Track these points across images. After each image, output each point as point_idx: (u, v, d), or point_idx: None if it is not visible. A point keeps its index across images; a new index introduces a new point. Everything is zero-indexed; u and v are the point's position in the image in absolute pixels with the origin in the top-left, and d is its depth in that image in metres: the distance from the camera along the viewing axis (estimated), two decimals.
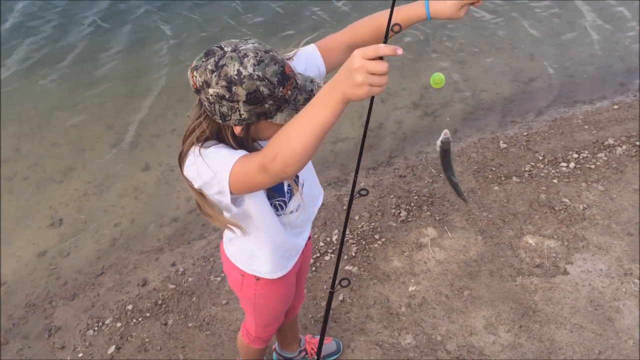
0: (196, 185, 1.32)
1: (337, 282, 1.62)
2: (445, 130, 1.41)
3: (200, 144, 1.31)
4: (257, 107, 1.23)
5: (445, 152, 1.44)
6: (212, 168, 1.25)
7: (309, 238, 1.82)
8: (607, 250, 2.82)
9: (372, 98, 1.14)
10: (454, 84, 4.40)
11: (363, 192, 1.54)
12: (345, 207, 3.18)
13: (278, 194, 1.50)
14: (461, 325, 2.53)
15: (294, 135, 1.08)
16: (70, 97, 4.35)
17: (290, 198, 1.54)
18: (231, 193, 1.26)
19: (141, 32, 5.11)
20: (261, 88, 1.20)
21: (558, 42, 4.88)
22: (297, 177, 1.56)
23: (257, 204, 1.46)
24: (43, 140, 3.97)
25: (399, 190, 3.33)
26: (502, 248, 2.88)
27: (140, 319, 2.69)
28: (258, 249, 1.60)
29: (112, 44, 4.95)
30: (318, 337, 2.45)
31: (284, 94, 1.23)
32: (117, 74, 4.59)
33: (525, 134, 3.76)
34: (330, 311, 2.61)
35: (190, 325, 2.64)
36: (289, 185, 1.52)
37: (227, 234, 1.67)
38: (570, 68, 4.57)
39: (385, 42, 1.12)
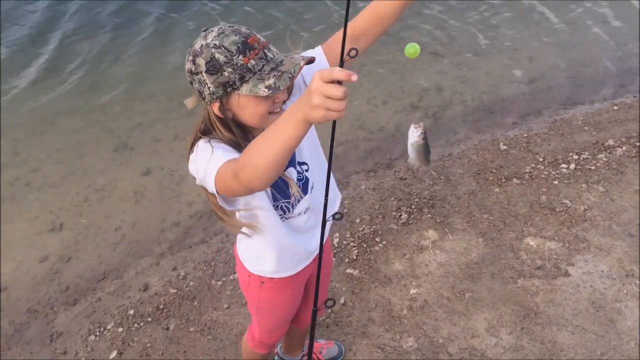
0: (197, 181, 1.34)
1: (323, 302, 1.54)
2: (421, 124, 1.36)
3: (206, 140, 1.34)
4: (219, 77, 1.26)
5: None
6: (205, 166, 1.27)
7: (329, 248, 1.78)
8: (608, 251, 2.82)
9: (334, 123, 1.09)
10: (454, 85, 4.40)
11: (337, 217, 1.43)
12: (345, 209, 3.19)
13: (281, 196, 1.50)
14: (463, 328, 2.53)
15: (260, 147, 1.08)
16: (71, 102, 4.36)
17: (298, 200, 1.54)
18: (218, 194, 1.27)
19: (142, 36, 5.12)
20: (216, 55, 1.24)
21: (557, 43, 4.89)
22: (307, 179, 1.55)
23: (260, 207, 1.46)
24: (44, 145, 3.97)
25: (399, 192, 3.33)
26: (503, 250, 2.88)
27: (141, 324, 2.69)
28: (264, 249, 1.61)
29: (112, 49, 4.96)
30: (321, 342, 2.46)
31: (244, 63, 1.24)
32: (117, 78, 4.59)
33: (525, 135, 3.76)
34: (332, 314, 2.63)
35: (191, 329, 2.64)
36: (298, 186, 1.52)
37: None
38: (569, 69, 4.57)
39: (341, 66, 1.08)
